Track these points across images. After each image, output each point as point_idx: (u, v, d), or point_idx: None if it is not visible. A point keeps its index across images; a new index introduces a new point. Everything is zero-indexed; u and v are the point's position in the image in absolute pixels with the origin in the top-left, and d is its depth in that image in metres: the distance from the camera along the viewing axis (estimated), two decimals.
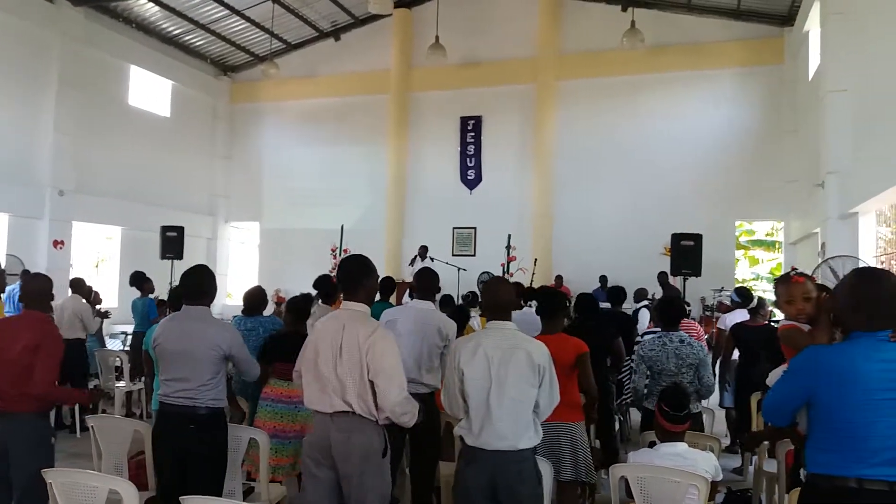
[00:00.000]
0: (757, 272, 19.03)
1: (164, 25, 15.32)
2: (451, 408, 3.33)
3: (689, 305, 8.67)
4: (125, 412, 7.98)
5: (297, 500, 4.64)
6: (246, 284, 15.79)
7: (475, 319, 8.12)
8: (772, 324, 6.96)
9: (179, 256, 11.60)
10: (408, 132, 16.21)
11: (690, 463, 3.43)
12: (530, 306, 7.01)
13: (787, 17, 13.23)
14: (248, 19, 15.37)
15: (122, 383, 8.09)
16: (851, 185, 8.86)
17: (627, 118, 14.55)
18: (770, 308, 7.18)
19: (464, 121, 15.81)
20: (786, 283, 3.30)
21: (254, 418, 4.76)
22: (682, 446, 3.56)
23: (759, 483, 5.16)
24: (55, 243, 12.54)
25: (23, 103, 12.49)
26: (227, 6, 14.68)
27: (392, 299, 7.73)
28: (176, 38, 15.86)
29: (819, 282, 3.55)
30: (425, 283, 4.87)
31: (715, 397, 7.14)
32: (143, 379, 7.93)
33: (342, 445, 3.12)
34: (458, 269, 13.05)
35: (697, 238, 9.38)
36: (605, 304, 7.67)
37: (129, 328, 10.41)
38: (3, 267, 7.10)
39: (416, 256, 13.53)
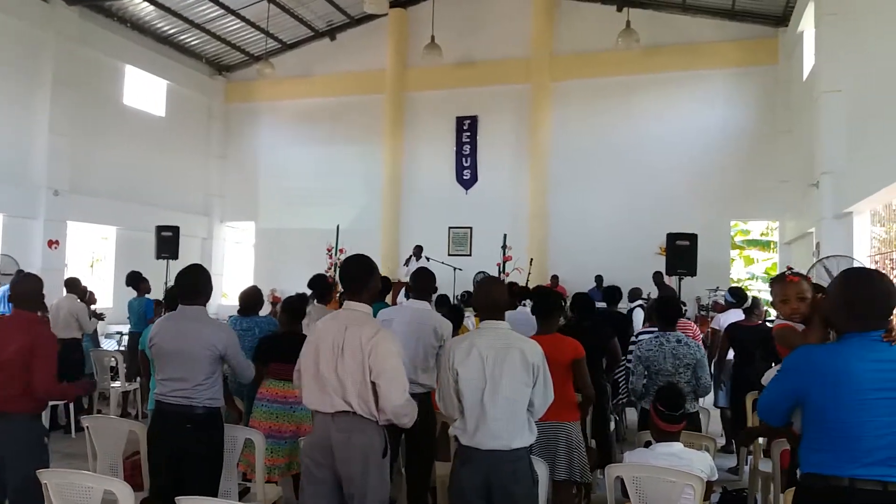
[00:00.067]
0: (752, 272, 19.08)
1: (158, 25, 15.28)
2: (447, 408, 3.34)
3: (684, 305, 8.69)
4: (120, 412, 7.96)
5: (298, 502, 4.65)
6: (241, 284, 15.79)
7: (470, 319, 8.13)
8: (766, 323, 6.99)
9: (175, 256, 11.57)
10: (403, 132, 16.20)
11: (686, 463, 3.44)
12: (524, 305, 7.01)
13: (782, 18, 13.26)
14: (243, 19, 15.34)
15: (117, 383, 8.08)
16: (846, 185, 8.89)
17: (623, 118, 14.57)
18: (765, 308, 7.21)
19: (459, 120, 15.81)
20: (781, 282, 3.32)
21: (249, 418, 4.75)
22: (677, 446, 3.57)
23: (755, 483, 5.18)
24: (50, 243, 12.50)
25: (17, 103, 12.45)
26: (222, 5, 14.65)
27: (388, 299, 7.73)
28: (171, 37, 15.82)
29: (814, 281, 3.55)
30: (422, 283, 4.86)
31: (709, 397, 7.17)
32: (138, 379, 7.93)
33: (343, 445, 3.12)
34: (454, 268, 13.05)
35: (693, 238, 9.40)
36: (600, 304, 7.69)
37: (125, 328, 10.40)
38: None
39: (410, 256, 13.53)
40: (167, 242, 11.67)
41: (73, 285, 8.21)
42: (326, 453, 3.16)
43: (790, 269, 3.48)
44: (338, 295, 8.48)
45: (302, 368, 3.32)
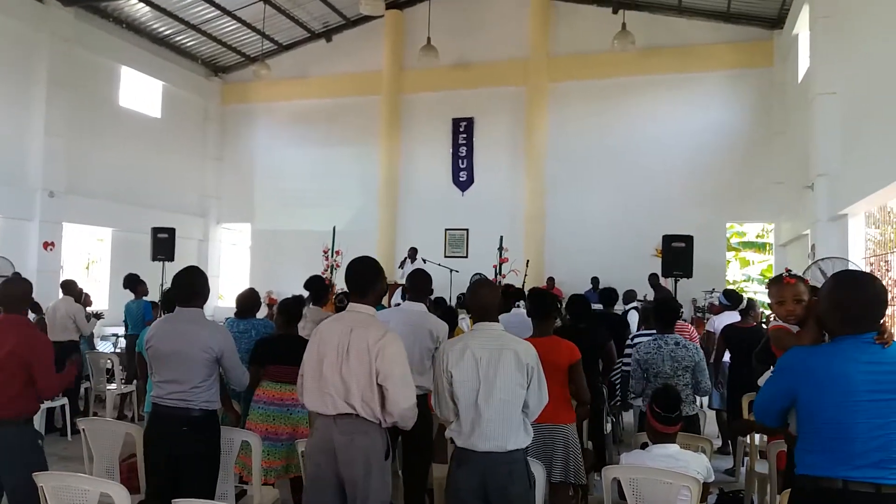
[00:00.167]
0: (748, 274, 19.12)
1: (154, 26, 15.26)
2: (442, 411, 3.33)
3: (680, 307, 8.70)
4: (117, 415, 7.94)
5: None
6: (237, 286, 15.81)
7: (465, 321, 8.13)
8: (762, 325, 7.00)
9: (171, 258, 11.56)
10: (400, 133, 16.20)
11: (682, 464, 3.45)
12: (518, 306, 7.01)
13: (777, 20, 13.31)
14: (239, 20, 15.33)
15: (113, 386, 8.06)
16: (840, 188, 8.92)
17: (618, 120, 14.61)
18: (761, 309, 7.22)
19: (455, 122, 15.82)
20: (777, 284, 3.33)
21: (246, 420, 4.74)
22: (673, 448, 3.57)
23: (751, 484, 5.19)
24: (45, 245, 12.47)
25: (12, 104, 12.41)
26: (218, 7, 14.64)
27: (384, 301, 7.72)
28: (167, 38, 15.80)
29: (811, 283, 3.56)
30: (419, 285, 4.84)
31: (704, 399, 7.19)
32: (135, 382, 7.91)
33: (346, 448, 3.12)
34: (451, 270, 13.05)
35: (688, 239, 9.41)
36: (597, 306, 7.70)
37: (120, 330, 10.37)
38: None
39: (405, 258, 13.53)
40: (163, 244, 11.65)
41: (70, 287, 8.20)
42: (329, 456, 3.15)
43: (788, 270, 3.48)
44: (333, 297, 8.48)
45: (304, 371, 3.31)
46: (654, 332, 5.20)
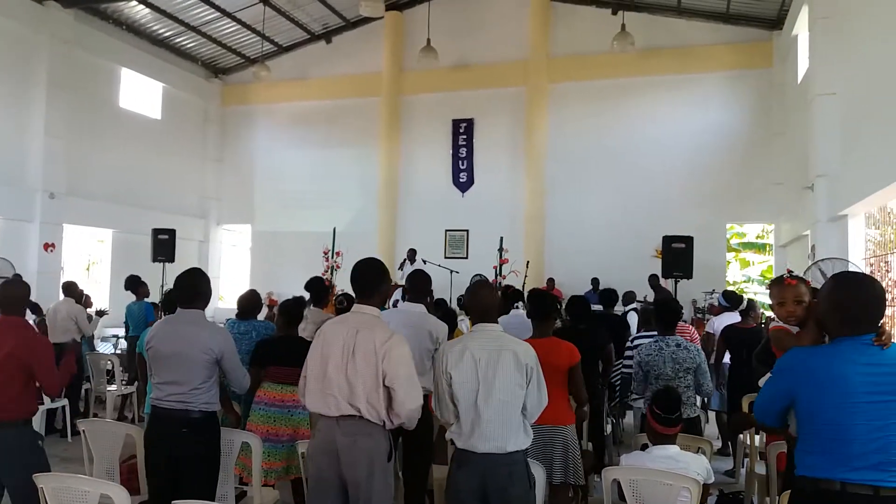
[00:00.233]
0: (748, 274, 19.12)
1: (154, 27, 15.27)
2: (442, 413, 3.33)
3: (681, 308, 8.70)
4: (117, 416, 7.95)
5: None
6: (238, 287, 15.82)
7: (464, 322, 8.13)
8: (762, 326, 7.00)
9: (171, 259, 11.57)
10: (399, 135, 16.21)
11: (682, 465, 3.45)
12: (517, 308, 7.01)
13: (776, 21, 13.32)
14: (239, 22, 15.34)
15: (113, 387, 8.06)
16: (840, 188, 8.92)
17: (618, 121, 14.61)
18: (762, 310, 7.22)
19: (455, 123, 15.83)
20: (778, 285, 3.34)
21: (246, 421, 4.74)
22: (673, 449, 3.57)
23: (751, 486, 5.19)
24: (46, 246, 12.47)
25: (12, 105, 12.42)
26: (218, 8, 14.65)
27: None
28: (167, 40, 15.81)
29: (812, 285, 3.57)
30: (419, 286, 4.83)
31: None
32: (136, 383, 7.91)
33: (349, 449, 3.12)
34: (451, 271, 13.06)
35: (688, 240, 9.42)
36: (596, 307, 7.71)
37: (120, 331, 10.38)
38: None
39: (405, 260, 13.54)
40: (163, 245, 11.66)
41: (71, 289, 8.20)
42: (331, 457, 3.15)
43: (790, 272, 3.49)
44: (333, 298, 8.47)
45: (308, 373, 3.31)
46: (655, 333, 5.20)
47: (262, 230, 17.54)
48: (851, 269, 7.30)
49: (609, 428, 6.31)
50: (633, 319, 8.54)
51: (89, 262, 15.26)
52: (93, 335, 8.98)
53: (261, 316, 6.28)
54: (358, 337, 3.17)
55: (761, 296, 15.76)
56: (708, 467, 3.58)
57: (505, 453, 3.16)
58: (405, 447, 4.57)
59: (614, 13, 14.34)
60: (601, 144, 14.63)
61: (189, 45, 16.36)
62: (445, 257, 15.03)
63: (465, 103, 15.74)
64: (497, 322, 3.41)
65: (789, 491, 2.73)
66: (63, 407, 7.54)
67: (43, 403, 6.78)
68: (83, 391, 8.26)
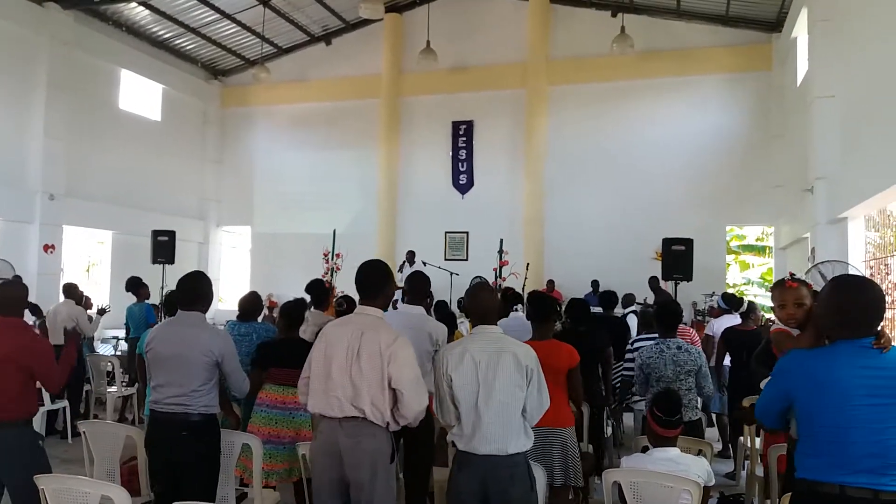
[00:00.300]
0: (748, 277, 19.13)
1: (154, 29, 15.27)
2: (444, 415, 3.34)
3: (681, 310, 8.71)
4: (118, 417, 7.95)
5: None
6: (238, 289, 15.81)
7: (464, 324, 8.13)
8: (762, 328, 7.01)
9: (171, 261, 11.57)
10: (399, 137, 16.21)
11: (683, 468, 3.45)
12: (516, 310, 7.01)
13: (776, 24, 13.33)
14: (238, 23, 15.35)
15: (113, 388, 8.06)
16: (840, 191, 8.93)
17: (617, 123, 14.62)
18: (762, 312, 7.23)
19: (455, 125, 15.83)
20: (779, 287, 3.35)
21: (247, 423, 4.74)
22: (674, 451, 3.58)
23: (752, 488, 5.19)
24: (45, 247, 12.47)
25: (12, 107, 12.42)
26: (218, 10, 14.66)
27: None
28: (166, 41, 15.81)
29: (812, 287, 3.58)
30: (417, 287, 4.83)
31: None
32: (136, 384, 7.91)
33: (352, 451, 3.13)
34: (451, 273, 13.06)
35: (688, 243, 9.42)
36: (596, 309, 7.71)
37: (121, 333, 10.37)
38: None
39: (404, 262, 13.54)
40: (163, 247, 11.66)
41: (71, 291, 8.21)
42: (334, 458, 3.16)
43: (792, 274, 3.50)
44: (334, 300, 8.47)
45: (311, 374, 3.31)
46: (656, 336, 5.20)
47: (261, 232, 17.53)
48: (851, 271, 7.30)
49: (609, 430, 6.31)
50: (632, 322, 8.55)
51: (89, 264, 15.25)
52: (93, 337, 8.98)
53: (259, 318, 6.27)
54: (363, 338, 3.18)
55: (761, 298, 15.77)
56: (708, 469, 3.58)
57: (506, 455, 3.17)
58: (406, 449, 4.58)
59: (614, 15, 14.36)
60: (601, 146, 14.64)
61: (189, 47, 16.37)
62: (445, 259, 15.04)
63: (465, 105, 15.75)
64: (497, 324, 3.41)
65: (789, 494, 2.73)
66: (63, 408, 7.55)
67: (43, 404, 6.79)
68: (83, 393, 8.26)
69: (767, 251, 17.39)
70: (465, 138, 15.76)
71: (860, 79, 8.40)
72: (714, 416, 7.48)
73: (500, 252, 12.69)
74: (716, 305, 9.26)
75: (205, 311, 3.90)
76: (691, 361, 4.77)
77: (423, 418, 4.09)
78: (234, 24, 15.38)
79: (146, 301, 8.97)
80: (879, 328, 2.47)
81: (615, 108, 14.67)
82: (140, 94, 15.67)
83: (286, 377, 4.56)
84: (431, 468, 4.57)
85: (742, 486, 5.80)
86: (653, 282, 11.70)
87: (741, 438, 5.84)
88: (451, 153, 15.84)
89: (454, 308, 10.10)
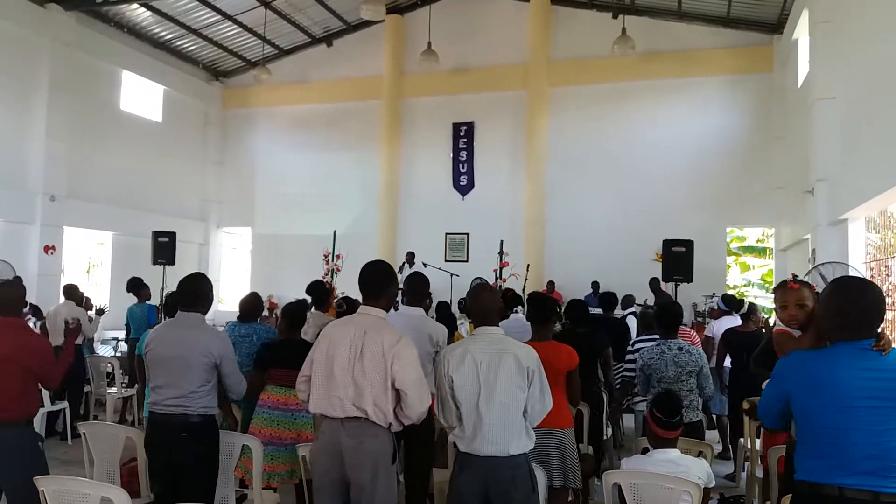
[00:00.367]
0: (748, 278, 19.12)
1: (155, 30, 15.29)
2: (445, 416, 3.34)
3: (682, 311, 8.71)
4: (118, 419, 7.95)
5: None
6: (238, 290, 15.80)
7: (464, 326, 8.13)
8: (763, 329, 7.01)
9: (171, 262, 11.56)
10: (400, 138, 16.21)
11: (683, 469, 3.45)
12: (517, 311, 7.02)
13: (777, 26, 13.34)
14: (240, 24, 15.36)
15: (113, 390, 8.05)
16: (841, 192, 8.93)
17: (618, 124, 14.62)
18: (762, 314, 7.23)
19: (456, 127, 15.83)
20: (782, 289, 3.36)
21: (248, 425, 4.74)
22: (674, 452, 3.57)
23: (752, 489, 5.19)
24: (46, 249, 12.47)
25: (13, 108, 12.43)
26: (220, 11, 14.67)
27: None
28: (168, 42, 15.83)
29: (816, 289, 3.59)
30: (417, 289, 4.82)
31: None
32: (136, 385, 7.92)
33: (354, 451, 3.13)
34: (451, 274, 13.06)
35: (689, 244, 9.41)
36: (596, 310, 7.71)
37: (120, 334, 10.37)
38: None
39: (403, 263, 13.54)
40: (164, 248, 11.65)
41: (71, 292, 8.21)
42: (335, 459, 3.16)
43: (794, 276, 3.51)
44: (334, 301, 8.47)
45: (312, 373, 3.31)
46: (657, 337, 5.20)
47: (262, 233, 17.53)
48: (852, 273, 7.29)
49: (609, 432, 6.30)
50: (631, 323, 8.56)
51: (90, 265, 15.25)
52: (93, 338, 8.98)
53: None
54: (366, 338, 3.18)
55: (761, 300, 15.77)
56: (709, 471, 3.58)
57: (507, 456, 3.17)
58: (406, 450, 4.57)
59: (615, 17, 14.36)
60: (601, 148, 14.64)
61: (190, 48, 16.38)
62: (446, 260, 15.05)
63: (466, 107, 15.75)
64: (499, 325, 3.42)
65: (790, 495, 2.72)
66: (63, 410, 7.54)
67: (43, 406, 6.79)
68: (83, 394, 8.26)
69: (768, 253, 17.37)
70: (465, 139, 15.76)
71: (861, 80, 8.40)
72: (714, 417, 7.47)
73: (501, 253, 12.69)
74: (716, 307, 9.27)
75: (205, 312, 3.90)
76: (692, 362, 4.77)
77: (424, 419, 4.10)
78: (235, 26, 15.39)
79: (147, 302, 8.96)
80: (880, 330, 2.47)
81: (616, 110, 14.67)
82: (141, 95, 15.68)
83: (288, 378, 4.55)
84: (432, 469, 4.56)
85: (742, 487, 5.79)
86: (653, 283, 11.70)
87: (741, 440, 5.84)
88: (451, 154, 15.84)
89: (454, 309, 10.09)
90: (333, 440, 3.17)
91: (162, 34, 15.47)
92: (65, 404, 7.50)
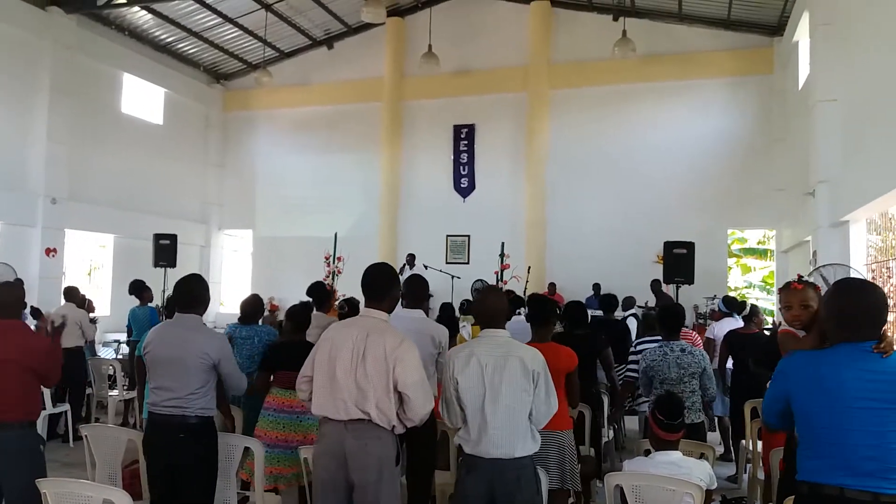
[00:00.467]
0: (749, 280, 19.11)
1: (156, 33, 15.31)
2: (450, 417, 3.35)
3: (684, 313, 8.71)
4: (119, 421, 7.94)
5: None
6: (239, 292, 15.80)
7: (465, 328, 8.12)
8: (764, 331, 7.01)
9: (172, 264, 11.57)
10: (401, 140, 16.22)
11: (685, 471, 3.44)
12: (518, 314, 7.01)
13: (777, 28, 13.35)
14: (241, 27, 15.39)
15: (114, 392, 8.05)
16: (842, 194, 8.93)
17: (619, 127, 14.63)
18: (764, 315, 7.23)
19: (457, 129, 15.84)
20: (786, 290, 3.37)
21: (252, 426, 4.73)
22: (676, 454, 3.57)
23: (754, 491, 5.18)
24: (48, 251, 12.48)
25: (15, 111, 12.45)
26: (221, 14, 14.70)
27: None
28: (169, 45, 15.85)
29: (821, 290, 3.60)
30: (416, 291, 4.80)
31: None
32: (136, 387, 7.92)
33: (358, 454, 3.13)
34: (452, 276, 13.07)
35: (690, 246, 9.43)
36: (597, 312, 7.70)
37: (122, 336, 10.38)
38: None
39: (404, 265, 13.54)
40: (165, 250, 11.66)
41: (73, 294, 8.21)
42: (339, 461, 3.16)
43: (800, 276, 3.51)
44: (335, 303, 8.47)
45: (314, 375, 3.31)
46: (659, 338, 5.20)
47: (263, 235, 17.54)
48: (853, 274, 7.30)
49: (610, 433, 6.30)
50: (632, 325, 8.56)
51: (91, 267, 15.27)
52: (94, 340, 8.98)
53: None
54: (368, 341, 3.18)
55: (763, 301, 15.77)
56: (711, 473, 3.57)
57: (513, 458, 3.18)
58: (409, 452, 4.57)
59: (615, 19, 14.36)
60: (602, 150, 14.64)
61: (191, 51, 16.41)
62: (447, 262, 15.06)
63: (467, 109, 15.77)
64: (505, 328, 3.42)
65: (792, 497, 2.72)
66: (65, 412, 7.54)
67: (45, 408, 6.79)
68: (85, 396, 8.26)
69: (769, 255, 17.36)
70: (466, 142, 15.77)
71: (862, 82, 8.41)
72: (716, 419, 7.47)
73: (502, 255, 12.69)
74: (717, 309, 9.27)
75: (202, 313, 3.90)
76: (695, 364, 4.77)
77: (427, 421, 4.10)
78: (236, 29, 15.42)
79: (149, 304, 8.97)
80: (882, 332, 2.47)
81: (617, 112, 14.68)
82: (142, 97, 15.70)
83: (293, 381, 4.54)
84: (434, 471, 4.56)
85: (744, 489, 5.79)
86: (655, 285, 11.70)
87: (743, 442, 5.83)
88: (452, 156, 15.85)
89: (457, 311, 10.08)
90: (337, 442, 3.17)
91: (163, 37, 15.50)
92: (66, 407, 7.50)
